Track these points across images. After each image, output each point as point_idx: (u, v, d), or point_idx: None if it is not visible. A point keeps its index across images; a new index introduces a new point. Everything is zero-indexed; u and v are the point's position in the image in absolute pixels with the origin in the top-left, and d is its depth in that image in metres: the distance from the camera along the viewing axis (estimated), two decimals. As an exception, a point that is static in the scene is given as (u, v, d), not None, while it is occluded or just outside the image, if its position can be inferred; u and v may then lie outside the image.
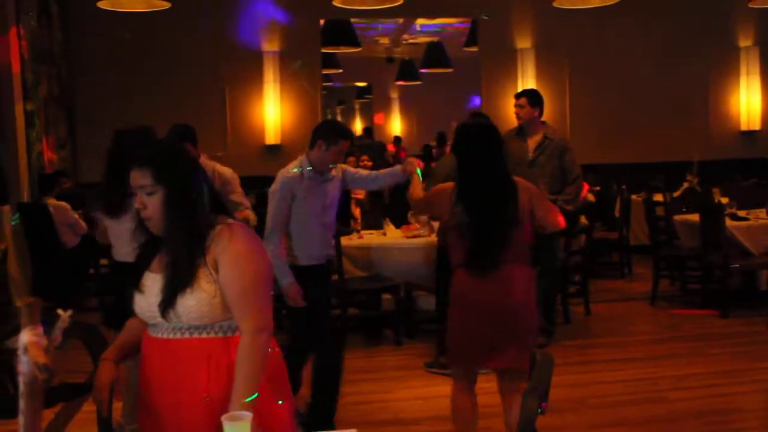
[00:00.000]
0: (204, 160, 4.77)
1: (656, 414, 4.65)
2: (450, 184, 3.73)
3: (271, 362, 2.45)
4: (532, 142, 6.00)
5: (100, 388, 2.45)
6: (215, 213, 2.46)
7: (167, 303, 2.35)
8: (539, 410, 2.14)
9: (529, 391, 2.06)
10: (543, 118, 5.62)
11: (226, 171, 4.90)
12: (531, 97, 6.17)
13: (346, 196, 6.96)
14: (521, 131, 6.10)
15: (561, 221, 3.81)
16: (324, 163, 4.20)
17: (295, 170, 4.21)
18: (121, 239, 3.85)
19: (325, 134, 4.20)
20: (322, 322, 4.38)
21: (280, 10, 9.95)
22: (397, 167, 4.52)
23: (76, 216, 7.07)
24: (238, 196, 4.82)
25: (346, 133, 4.28)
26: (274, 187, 4.21)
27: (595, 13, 8.21)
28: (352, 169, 4.58)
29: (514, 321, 3.60)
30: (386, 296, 6.49)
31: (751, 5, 8.30)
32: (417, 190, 4.11)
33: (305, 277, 4.21)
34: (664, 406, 4.78)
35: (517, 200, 3.61)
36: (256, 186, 8.87)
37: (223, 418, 2.11)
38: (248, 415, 2.16)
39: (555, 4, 7.58)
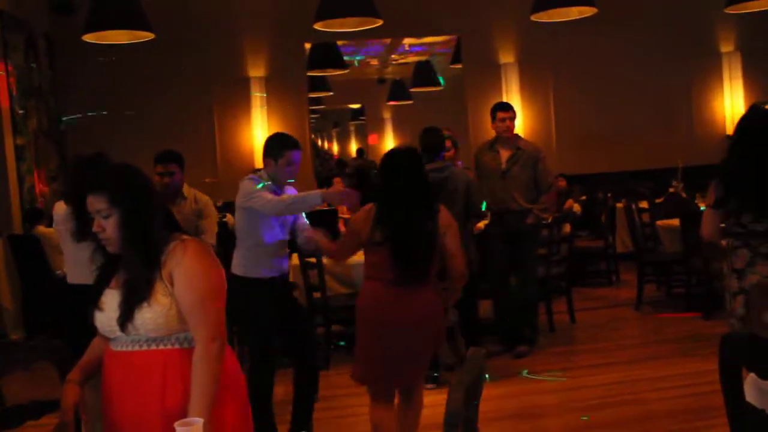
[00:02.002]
0: (186, 188, 4.89)
1: (632, 415, 4.72)
2: (367, 206, 3.90)
3: (226, 370, 2.55)
4: (505, 154, 6.09)
5: (65, 410, 2.54)
6: (169, 230, 2.58)
7: (125, 316, 2.47)
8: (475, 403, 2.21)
9: (456, 385, 2.13)
10: (528, 130, 5.76)
11: (204, 197, 5.00)
12: (514, 110, 6.28)
13: (332, 215, 7.03)
14: (493, 144, 6.19)
15: (464, 270, 3.91)
16: (280, 177, 4.22)
17: (252, 178, 4.25)
18: (82, 263, 3.96)
19: (270, 151, 4.22)
20: (265, 338, 4.40)
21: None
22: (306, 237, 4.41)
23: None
24: (209, 221, 4.89)
25: (290, 142, 4.25)
26: (244, 190, 4.20)
27: (576, 24, 8.32)
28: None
29: (427, 339, 3.84)
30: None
31: (727, 11, 8.39)
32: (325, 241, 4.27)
33: (257, 291, 4.25)
34: (641, 407, 4.85)
35: (436, 224, 3.82)
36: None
37: (176, 424, 2.22)
38: (200, 420, 2.26)
39: (533, 18, 7.70)
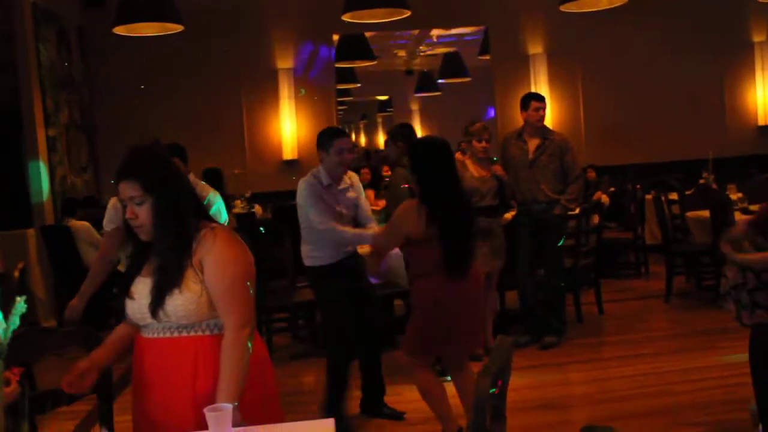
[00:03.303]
0: (192, 178, 4.95)
1: (660, 406, 4.69)
2: (411, 203, 3.97)
3: (254, 356, 2.58)
4: (533, 144, 6.07)
5: (73, 367, 2.53)
6: (198, 218, 2.61)
7: (157, 303, 2.49)
8: (492, 390, 2.22)
9: (483, 372, 2.14)
10: (557, 121, 5.70)
11: (208, 188, 5.08)
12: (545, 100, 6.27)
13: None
14: (522, 133, 6.16)
15: None
16: (334, 167, 4.46)
17: (311, 178, 4.53)
18: None
19: (320, 144, 4.51)
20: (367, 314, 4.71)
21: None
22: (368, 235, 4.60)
23: (99, 236, 7.26)
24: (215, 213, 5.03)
25: (337, 132, 4.58)
26: (300, 195, 4.51)
27: (605, 15, 8.26)
28: (362, 200, 4.76)
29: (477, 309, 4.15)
30: (398, 302, 6.59)
31: (760, 0, 8.29)
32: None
33: (332, 274, 4.54)
34: (669, 399, 4.82)
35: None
36: (274, 200, 9.06)
37: (206, 410, 2.25)
38: (229, 406, 2.29)
39: (562, 9, 7.64)
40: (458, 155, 6.00)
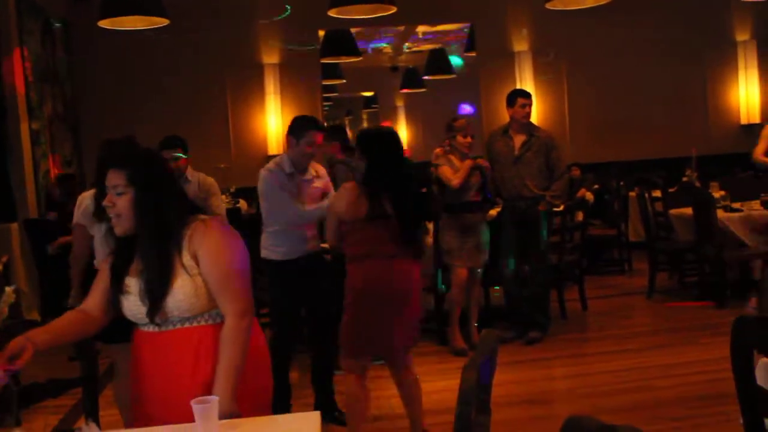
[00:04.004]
0: (191, 171, 4.97)
1: (642, 401, 4.73)
2: (348, 185, 4.00)
3: (254, 344, 2.59)
4: (518, 140, 6.09)
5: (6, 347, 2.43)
6: (187, 214, 2.60)
7: (153, 308, 2.50)
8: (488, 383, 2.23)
9: (469, 365, 2.15)
10: (542, 119, 5.75)
11: (209, 179, 5.12)
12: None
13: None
14: (507, 130, 6.19)
15: None
16: (299, 156, 4.39)
17: (274, 166, 4.44)
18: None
19: (292, 130, 4.43)
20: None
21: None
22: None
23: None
24: (215, 199, 5.04)
25: (314, 124, 4.46)
26: (261, 184, 4.44)
27: (590, 13, 8.30)
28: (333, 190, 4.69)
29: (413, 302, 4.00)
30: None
31: (745, -1, 8.35)
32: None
33: (285, 272, 4.45)
34: (651, 394, 4.86)
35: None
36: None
37: (193, 402, 2.26)
38: (215, 398, 2.30)
39: (548, 6, 7.67)
40: (438, 151, 6.02)
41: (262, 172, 4.47)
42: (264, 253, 4.53)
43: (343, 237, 3.99)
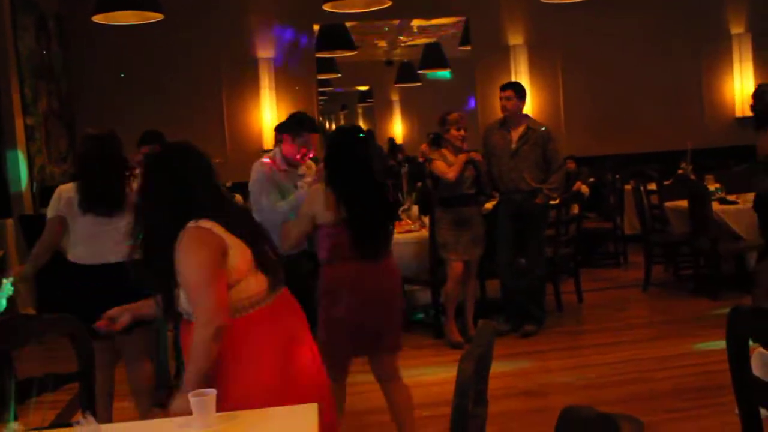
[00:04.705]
0: None
1: (638, 393, 4.76)
2: (318, 186, 3.93)
3: (237, 327, 2.58)
4: (515, 134, 6.10)
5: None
6: (187, 219, 2.62)
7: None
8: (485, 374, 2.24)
9: (466, 356, 2.16)
10: (537, 112, 5.75)
11: None
12: (517, 89, 6.25)
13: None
14: (504, 123, 6.19)
15: None
16: (291, 156, 4.39)
17: (267, 160, 4.46)
18: (88, 241, 4.13)
19: (288, 127, 4.44)
20: None
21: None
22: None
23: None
24: None
25: (309, 126, 4.43)
26: (253, 179, 4.44)
27: (585, 6, 8.31)
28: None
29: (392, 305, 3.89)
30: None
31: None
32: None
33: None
34: (647, 386, 4.89)
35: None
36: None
37: (190, 394, 2.31)
38: (213, 392, 2.33)
39: (544, 0, 7.68)
40: (424, 147, 6.04)
41: (256, 166, 4.49)
42: None
43: (314, 239, 3.94)
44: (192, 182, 2.65)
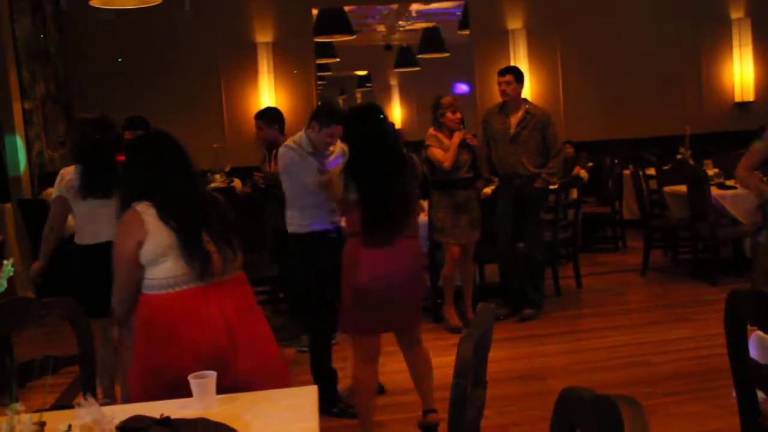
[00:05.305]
0: None
1: (636, 376, 4.78)
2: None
3: (149, 302, 2.79)
4: (515, 118, 6.08)
5: None
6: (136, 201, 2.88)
7: None
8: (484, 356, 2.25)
9: (465, 337, 2.16)
10: (536, 97, 5.73)
11: None
12: (516, 73, 6.23)
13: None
14: (503, 108, 6.18)
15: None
16: (317, 142, 4.45)
17: (293, 144, 4.51)
18: (93, 222, 4.24)
19: (319, 116, 4.47)
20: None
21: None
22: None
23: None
24: None
25: (338, 118, 4.46)
26: (284, 161, 4.51)
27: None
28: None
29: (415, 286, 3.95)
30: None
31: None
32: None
33: (312, 244, 4.54)
34: (645, 369, 4.90)
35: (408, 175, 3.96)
36: (254, 174, 9.02)
37: (190, 377, 2.33)
38: (213, 374, 2.35)
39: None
40: (431, 131, 6.01)
41: (281, 149, 4.55)
42: (292, 228, 4.62)
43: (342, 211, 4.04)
44: (157, 168, 2.88)
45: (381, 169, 3.83)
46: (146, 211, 2.76)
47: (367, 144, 3.87)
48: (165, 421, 2.12)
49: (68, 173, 4.31)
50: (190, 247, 2.76)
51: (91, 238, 4.24)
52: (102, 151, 4.27)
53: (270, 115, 6.11)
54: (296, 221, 4.59)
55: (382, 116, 3.97)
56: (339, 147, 4.57)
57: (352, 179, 3.80)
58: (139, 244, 2.75)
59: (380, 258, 3.80)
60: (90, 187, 4.22)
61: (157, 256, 2.74)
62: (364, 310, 3.85)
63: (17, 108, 8.01)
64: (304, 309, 4.89)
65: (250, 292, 3.06)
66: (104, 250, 3.98)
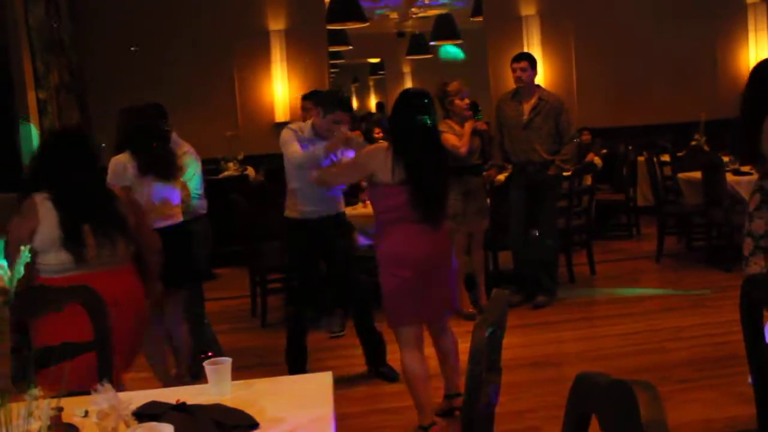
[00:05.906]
0: (175, 137, 4.94)
1: (650, 364, 4.76)
2: (381, 144, 4.04)
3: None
4: (528, 105, 6.06)
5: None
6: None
7: None
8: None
9: (480, 323, 2.17)
10: (550, 83, 5.68)
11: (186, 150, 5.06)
12: (531, 60, 6.20)
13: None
14: (516, 94, 6.16)
15: None
16: (323, 130, 4.49)
17: (295, 126, 4.62)
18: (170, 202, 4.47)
19: (322, 102, 4.54)
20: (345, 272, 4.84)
21: None
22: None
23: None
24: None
25: (344, 104, 4.52)
26: (282, 139, 4.59)
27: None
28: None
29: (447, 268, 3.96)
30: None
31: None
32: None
33: (307, 228, 4.64)
34: (660, 356, 4.90)
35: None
36: (267, 162, 9.04)
37: (205, 363, 2.35)
38: (228, 360, 2.38)
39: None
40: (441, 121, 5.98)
41: (285, 130, 4.63)
42: (287, 213, 4.72)
43: (375, 197, 3.95)
44: (58, 162, 3.30)
45: (430, 151, 3.86)
46: (42, 202, 3.22)
47: (418, 127, 3.83)
48: (181, 406, 2.14)
49: (124, 161, 4.37)
50: (70, 237, 3.23)
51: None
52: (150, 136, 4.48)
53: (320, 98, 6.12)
54: (292, 206, 4.70)
55: (427, 100, 3.92)
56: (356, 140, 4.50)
57: (400, 161, 3.75)
58: (32, 231, 3.22)
59: (431, 239, 3.82)
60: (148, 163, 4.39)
61: (48, 244, 3.22)
62: (415, 296, 3.82)
63: (31, 97, 8.05)
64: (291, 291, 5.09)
65: (137, 283, 3.47)
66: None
